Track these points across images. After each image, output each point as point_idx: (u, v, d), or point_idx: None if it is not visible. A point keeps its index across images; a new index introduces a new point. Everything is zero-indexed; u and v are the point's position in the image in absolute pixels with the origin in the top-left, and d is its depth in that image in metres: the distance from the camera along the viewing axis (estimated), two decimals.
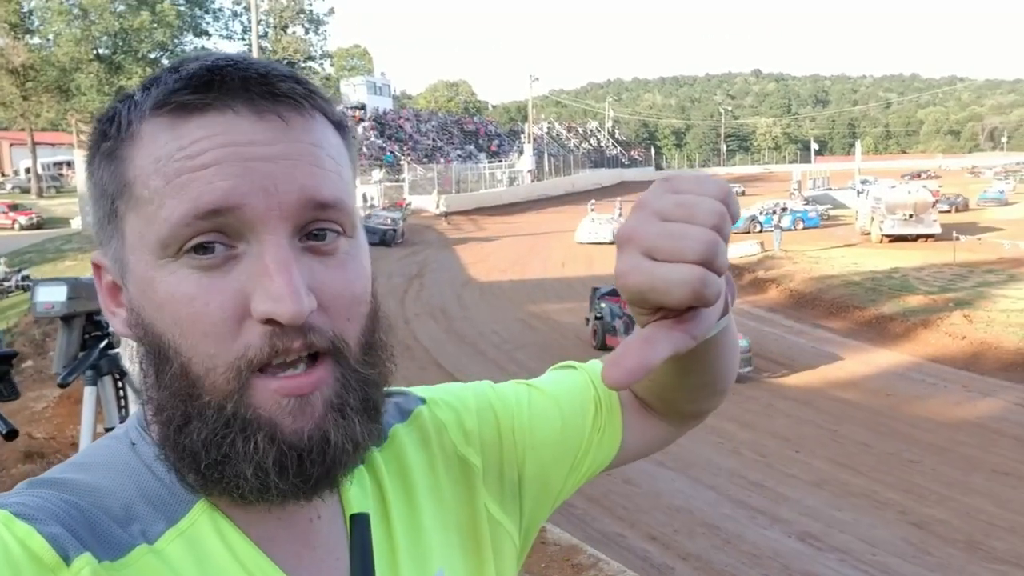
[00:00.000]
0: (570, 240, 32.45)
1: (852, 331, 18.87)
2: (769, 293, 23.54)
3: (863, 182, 44.05)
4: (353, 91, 62.39)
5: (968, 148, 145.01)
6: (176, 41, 48.99)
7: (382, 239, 30.15)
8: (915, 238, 30.78)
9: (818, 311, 21.04)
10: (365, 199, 39.91)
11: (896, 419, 12.83)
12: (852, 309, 20.49)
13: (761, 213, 36.75)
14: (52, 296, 2.68)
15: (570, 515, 8.79)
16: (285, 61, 51.36)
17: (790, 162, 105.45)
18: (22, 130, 49.89)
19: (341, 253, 0.63)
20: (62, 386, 2.69)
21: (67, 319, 2.73)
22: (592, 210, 39.68)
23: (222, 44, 53.22)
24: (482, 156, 62.09)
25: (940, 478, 10.36)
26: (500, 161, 58.98)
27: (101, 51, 46.63)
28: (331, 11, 61.46)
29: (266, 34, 52.63)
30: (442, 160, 53.88)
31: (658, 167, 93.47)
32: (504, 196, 49.67)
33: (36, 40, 46.81)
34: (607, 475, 9.74)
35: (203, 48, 50.04)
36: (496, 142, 68.60)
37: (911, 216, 30.74)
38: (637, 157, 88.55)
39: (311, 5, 56.00)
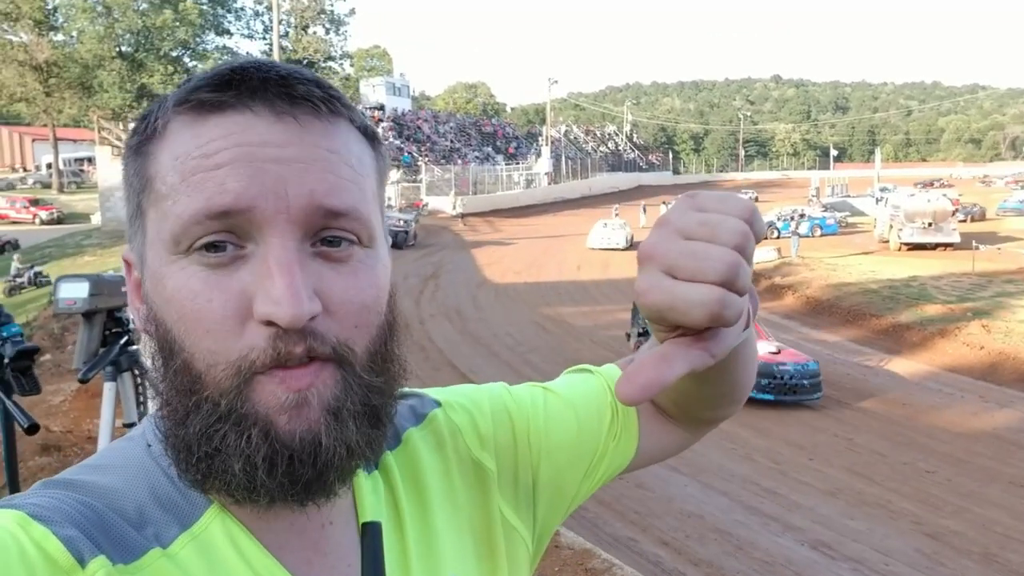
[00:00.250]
0: (585, 243, 32.36)
1: (868, 339, 18.77)
2: (786, 299, 23.44)
3: (882, 190, 43.73)
4: (372, 91, 62.56)
5: (989, 157, 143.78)
6: (198, 39, 49.39)
7: (393, 242, 30.01)
8: (934, 247, 30.59)
9: (835, 318, 20.93)
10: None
11: (912, 429, 12.75)
12: (869, 317, 20.38)
13: (779, 219, 36.59)
14: (74, 292, 2.71)
15: (582, 519, 8.78)
16: (305, 61, 51.71)
17: (809, 168, 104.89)
18: (44, 126, 50.44)
19: (354, 261, 0.63)
20: (83, 381, 2.72)
21: (88, 315, 2.76)
22: (616, 215, 39.66)
23: (243, 43, 53.68)
24: (499, 158, 62.10)
25: (956, 489, 10.29)
26: (517, 163, 58.99)
27: (124, 48, 47.01)
28: (352, 11, 61.80)
29: (287, 34, 52.89)
30: (459, 161, 53.95)
31: (676, 172, 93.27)
32: (521, 198, 49.67)
33: (60, 37, 47.33)
34: (619, 479, 9.72)
35: (224, 47, 50.42)
36: (514, 144, 68.60)
37: (930, 224, 30.55)
38: (655, 161, 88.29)
39: (332, 5, 56.23)
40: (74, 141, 60.17)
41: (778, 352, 13.75)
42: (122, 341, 2.84)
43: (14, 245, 32.97)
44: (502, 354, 16.48)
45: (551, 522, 0.90)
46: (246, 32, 53.75)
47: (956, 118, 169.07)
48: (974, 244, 26.55)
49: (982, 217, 42.68)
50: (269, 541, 0.65)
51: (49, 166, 54.71)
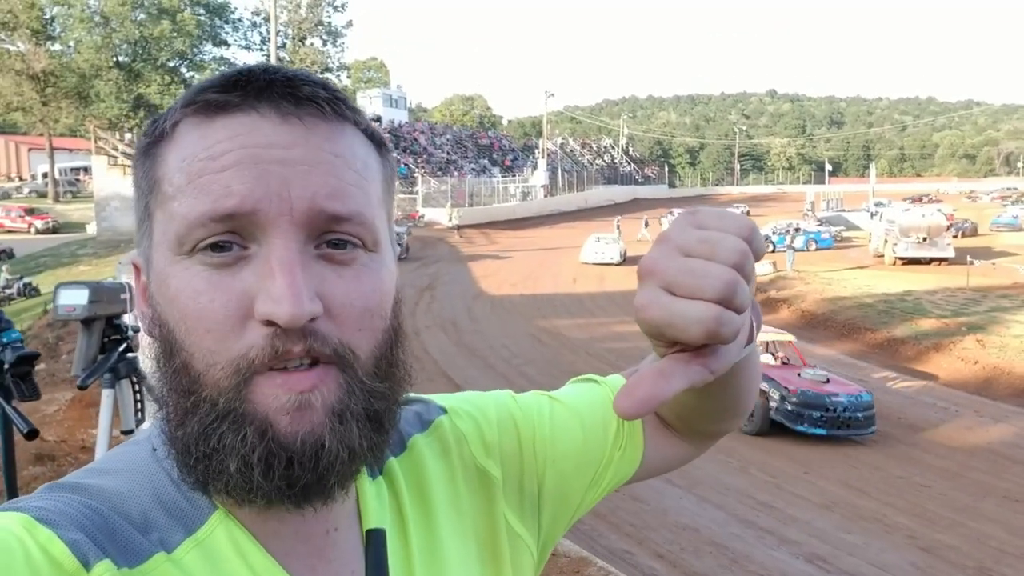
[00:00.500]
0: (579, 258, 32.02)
1: (863, 353, 18.80)
2: (781, 313, 23.48)
3: (877, 204, 43.89)
4: (369, 103, 62.72)
5: (983, 172, 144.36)
6: (195, 50, 49.54)
7: None
8: (928, 261, 30.70)
9: (830, 332, 20.98)
10: None
11: (907, 443, 12.77)
12: (864, 331, 20.43)
13: (774, 233, 36.69)
14: (74, 299, 2.72)
15: (577, 531, 8.76)
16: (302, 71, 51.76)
17: (804, 183, 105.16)
18: (41, 135, 50.45)
19: (358, 265, 0.63)
20: (81, 388, 2.72)
21: (88, 322, 2.77)
22: (618, 227, 39.72)
23: (241, 54, 53.70)
24: (496, 170, 62.22)
25: (951, 503, 10.30)
26: (514, 176, 59.08)
27: (121, 58, 47.14)
28: (349, 23, 62.05)
29: (284, 45, 53.04)
30: (456, 173, 54.03)
31: (671, 185, 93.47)
32: (517, 210, 49.72)
33: (57, 46, 47.43)
34: (615, 491, 9.73)
35: (222, 58, 50.53)
36: (510, 156, 68.73)
37: (925, 239, 30.66)
38: (651, 175, 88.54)
39: (330, 17, 56.38)
40: (70, 151, 60.13)
41: (827, 381, 12.97)
42: (121, 348, 2.84)
43: (9, 254, 32.91)
44: (497, 366, 16.47)
45: (556, 531, 0.90)
46: (243, 43, 53.83)
47: (950, 133, 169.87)
48: (969, 259, 26.66)
49: (974, 232, 42.80)
50: (273, 547, 0.65)
51: (45, 175, 54.65)
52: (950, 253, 30.65)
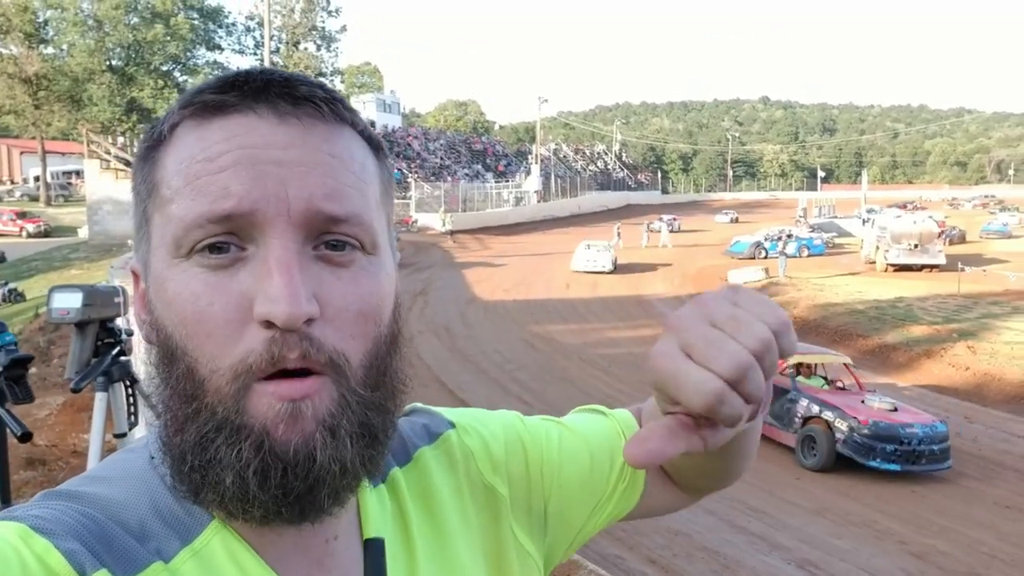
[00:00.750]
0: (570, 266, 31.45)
1: (855, 359, 18.82)
2: None
3: (869, 211, 44.04)
4: (363, 108, 62.73)
5: (975, 180, 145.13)
6: (189, 54, 49.47)
7: None
8: (920, 268, 30.79)
9: (822, 339, 21.01)
10: None
11: None
12: (855, 337, 20.48)
13: (767, 239, 36.79)
14: (67, 303, 2.73)
15: None
16: None
17: (796, 189, 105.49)
18: (33, 138, 50.28)
19: (356, 267, 0.63)
20: (75, 391, 2.72)
21: (81, 325, 2.78)
22: (619, 233, 39.81)
23: (234, 58, 53.65)
24: (489, 176, 62.29)
25: (941, 509, 10.33)
26: (507, 181, 59.13)
27: (114, 62, 47.06)
28: (343, 28, 61.89)
29: (278, 49, 52.97)
30: (449, 179, 54.08)
31: (664, 191, 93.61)
32: (510, 216, 49.75)
33: (50, 50, 47.32)
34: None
35: (215, 62, 50.48)
36: (504, 162, 68.82)
37: (916, 246, 30.77)
38: (644, 180, 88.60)
39: (323, 22, 56.35)
40: (62, 154, 59.97)
41: (895, 409, 11.95)
42: (114, 352, 2.85)
43: (0, 258, 32.81)
44: (490, 371, 16.48)
45: (555, 555, 0.90)
46: (237, 47, 53.72)
47: (942, 141, 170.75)
48: (960, 266, 26.76)
49: (962, 240, 42.91)
50: (271, 557, 0.64)
51: (37, 179, 54.49)
52: (941, 260, 30.76)
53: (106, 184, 33.32)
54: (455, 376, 15.77)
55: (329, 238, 0.61)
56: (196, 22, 48.99)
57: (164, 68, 48.70)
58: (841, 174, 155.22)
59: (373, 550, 0.68)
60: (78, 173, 50.51)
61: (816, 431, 11.93)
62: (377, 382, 0.64)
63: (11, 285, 23.87)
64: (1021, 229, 48.45)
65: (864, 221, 37.97)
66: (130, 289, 0.72)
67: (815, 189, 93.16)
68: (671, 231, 43.24)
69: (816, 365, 13.61)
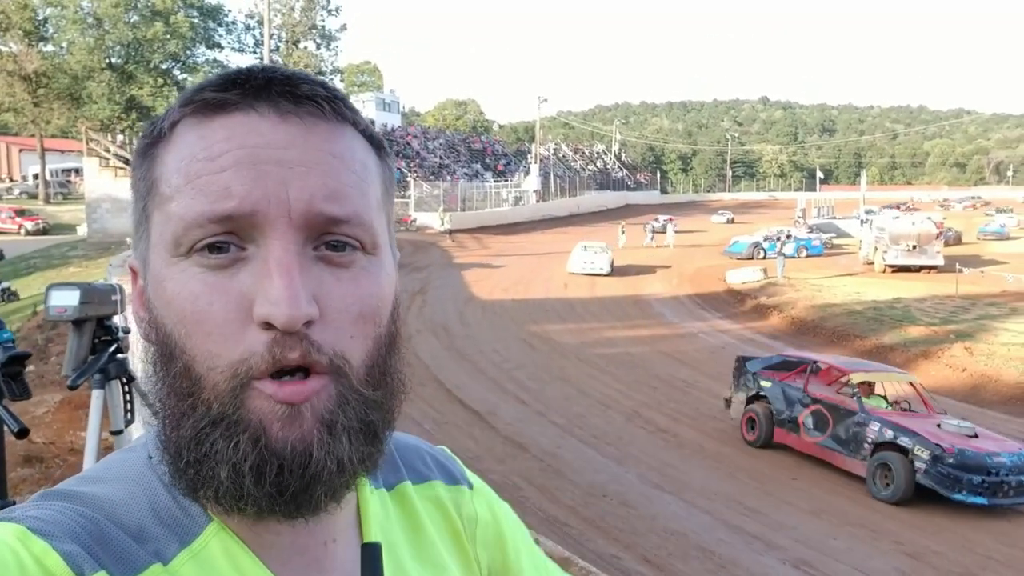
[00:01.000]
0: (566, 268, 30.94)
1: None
2: (771, 319, 23.57)
3: (868, 212, 44.09)
4: (362, 107, 62.70)
5: (974, 181, 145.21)
6: (188, 52, 49.42)
7: None
8: (918, 269, 30.85)
9: (819, 339, 21.06)
10: None
11: None
12: (853, 338, 20.51)
13: (765, 240, 36.85)
14: (65, 300, 2.75)
15: (565, 535, 8.79)
16: None
17: (795, 190, 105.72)
18: (32, 136, 50.26)
19: (356, 268, 0.63)
20: (71, 388, 2.74)
21: (78, 323, 2.79)
22: (623, 233, 39.85)
23: (234, 57, 53.63)
24: (488, 175, 62.32)
25: (938, 510, 10.34)
26: (506, 180, 59.18)
27: (113, 60, 47.00)
28: (343, 27, 61.94)
29: (278, 48, 52.97)
30: (449, 178, 54.11)
31: (663, 191, 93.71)
32: (509, 215, 49.81)
33: (50, 47, 47.25)
34: (603, 496, 9.69)
35: (215, 60, 50.45)
36: (503, 161, 68.84)
37: (915, 247, 30.83)
38: (643, 180, 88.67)
39: (323, 21, 56.36)
40: (62, 152, 59.91)
41: (975, 436, 10.88)
42: (111, 349, 2.87)
43: None
44: (488, 371, 16.49)
45: None
46: (237, 46, 53.67)
47: (941, 142, 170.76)
48: (958, 267, 26.82)
49: (957, 241, 42.92)
50: (269, 559, 0.64)
51: (36, 176, 54.41)
52: (939, 261, 30.84)
53: (105, 182, 33.32)
54: (453, 375, 15.79)
55: (329, 239, 0.61)
56: (196, 20, 48.94)
57: (164, 66, 48.64)
58: (840, 175, 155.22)
59: (370, 555, 0.68)
60: (77, 171, 50.46)
61: (891, 459, 10.71)
62: (377, 382, 0.64)
63: (5, 284, 23.85)
64: (1018, 230, 48.54)
65: (862, 222, 38.04)
66: (127, 287, 0.73)
67: (814, 190, 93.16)
68: (656, 232, 43.34)
69: (874, 384, 12.34)
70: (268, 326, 0.57)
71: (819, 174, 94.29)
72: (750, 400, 13.09)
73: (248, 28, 54.17)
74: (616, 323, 22.61)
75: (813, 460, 12.01)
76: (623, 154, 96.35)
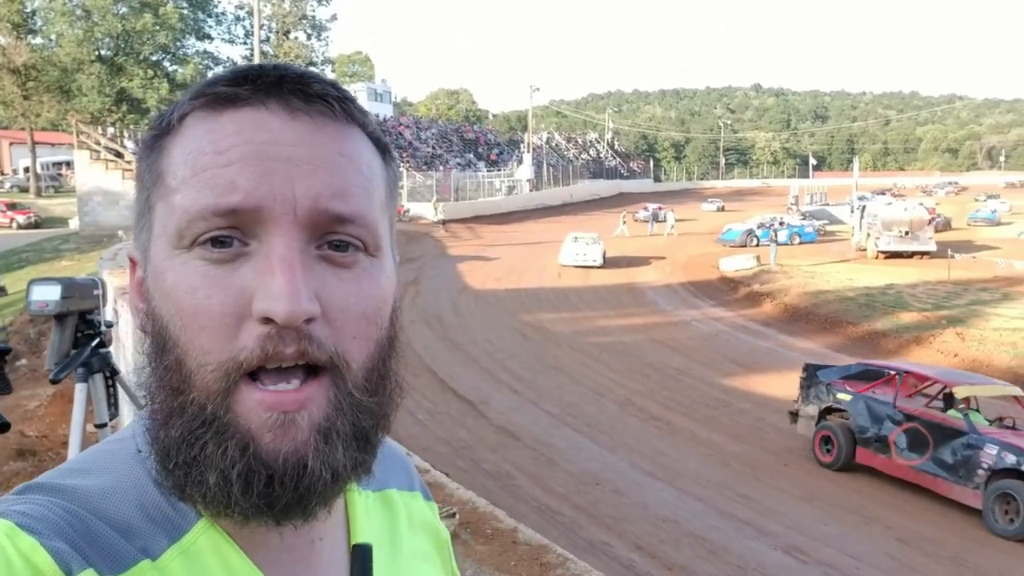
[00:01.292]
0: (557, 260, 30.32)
1: (845, 346, 18.95)
2: (764, 307, 23.62)
3: (860, 198, 44.14)
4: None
5: (966, 166, 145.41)
6: (178, 44, 49.09)
7: None
8: (910, 255, 30.92)
9: (812, 326, 21.12)
10: None
11: None
12: (846, 324, 20.58)
13: (758, 227, 36.88)
14: (46, 295, 2.75)
15: (557, 523, 8.83)
16: None
17: (788, 177, 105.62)
18: (22, 129, 49.95)
19: (358, 269, 0.63)
20: (54, 382, 2.75)
21: (60, 317, 2.80)
22: (624, 222, 39.82)
23: (224, 48, 53.42)
24: (481, 165, 62.20)
25: (929, 495, 10.40)
26: (499, 170, 59.08)
27: (103, 52, 46.67)
28: (334, 17, 61.70)
29: (268, 39, 52.71)
30: (441, 168, 53.98)
31: (657, 179, 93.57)
32: (502, 205, 49.74)
33: (38, 40, 46.88)
34: (595, 484, 9.71)
35: (205, 52, 50.21)
36: (496, 151, 68.68)
37: (907, 233, 30.88)
38: (636, 169, 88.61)
39: (314, 11, 56.06)
40: (52, 145, 59.58)
41: None
42: (93, 343, 2.87)
43: None
44: (481, 360, 16.52)
45: None
46: (227, 37, 53.49)
47: (933, 128, 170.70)
48: (950, 253, 26.89)
49: (946, 227, 42.86)
50: (258, 556, 0.64)
51: (27, 170, 54.18)
52: (932, 247, 30.92)
53: (96, 175, 33.17)
54: (446, 365, 15.81)
55: (333, 238, 0.61)
56: (185, 11, 48.60)
57: (154, 58, 48.32)
58: (833, 161, 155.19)
59: (361, 555, 0.69)
60: (68, 164, 50.26)
61: (1016, 488, 9.27)
62: (376, 386, 0.65)
63: None
64: (1010, 216, 48.64)
65: (853, 209, 38.10)
66: (115, 281, 0.73)
67: (807, 176, 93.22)
68: (657, 221, 43.34)
69: (969, 399, 10.83)
70: (267, 321, 0.57)
71: (812, 161, 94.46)
72: (823, 415, 11.70)
73: (238, 19, 53.80)
74: (609, 311, 22.63)
75: (804, 446, 12.05)
76: (616, 142, 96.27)
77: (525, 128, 78.29)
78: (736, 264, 28.73)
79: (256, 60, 32.73)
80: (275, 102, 0.61)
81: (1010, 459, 9.40)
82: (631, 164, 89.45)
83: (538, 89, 67.35)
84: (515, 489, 9.86)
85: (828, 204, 57.42)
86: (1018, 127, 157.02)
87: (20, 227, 39.65)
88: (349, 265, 0.62)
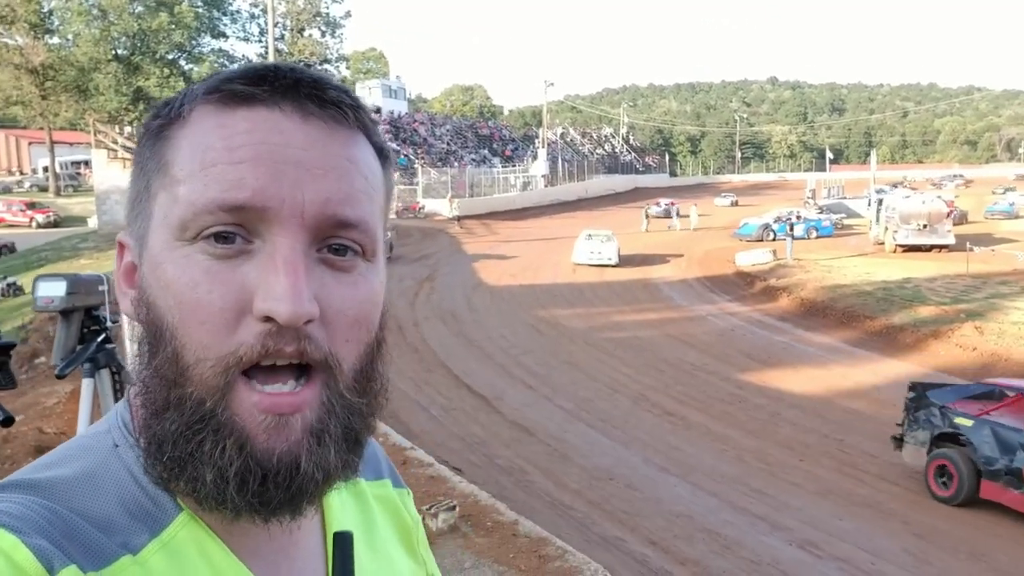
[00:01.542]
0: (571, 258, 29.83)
1: (862, 341, 18.83)
2: (780, 301, 23.50)
3: (878, 192, 43.80)
4: (368, 94, 62.52)
5: (985, 158, 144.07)
6: (194, 42, 49.44)
7: None
8: (929, 248, 30.68)
9: (829, 320, 20.99)
10: None
11: None
12: (863, 319, 20.43)
13: (775, 221, 36.69)
14: (52, 291, 2.78)
15: (570, 518, 8.83)
16: (301, 63, 51.73)
17: (805, 170, 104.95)
18: (41, 129, 50.51)
19: (356, 273, 0.64)
20: (59, 377, 2.78)
21: (66, 313, 2.82)
22: (647, 218, 39.79)
23: (239, 46, 53.70)
24: (496, 160, 62.17)
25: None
26: (514, 166, 59.03)
27: (119, 51, 47.07)
28: (348, 14, 61.95)
29: (283, 36, 52.95)
30: (456, 164, 54.01)
31: (672, 174, 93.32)
32: (517, 201, 49.71)
33: (56, 40, 47.35)
34: (609, 480, 9.69)
35: (220, 50, 50.47)
36: (510, 147, 68.63)
37: (925, 226, 30.64)
38: (651, 163, 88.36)
39: (328, 8, 56.28)
40: (70, 144, 60.15)
41: None
42: (100, 339, 2.89)
43: (10, 248, 32.99)
44: (496, 356, 16.52)
45: None
46: (241, 35, 53.91)
47: (952, 120, 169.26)
48: (968, 246, 26.67)
49: (962, 220, 42.38)
50: (238, 547, 0.65)
51: (46, 169, 54.76)
52: (950, 240, 30.63)
53: (114, 173, 33.41)
54: (461, 361, 15.82)
55: (334, 242, 0.62)
56: (200, 10, 48.92)
57: (170, 57, 48.69)
58: (851, 154, 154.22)
59: (342, 543, 0.70)
60: (86, 163, 50.69)
61: None
62: (364, 387, 0.66)
63: (11, 279, 24.03)
64: None
65: (869, 203, 37.81)
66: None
67: (824, 170, 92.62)
68: (679, 216, 43.07)
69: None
70: (267, 320, 0.58)
71: (829, 154, 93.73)
72: (937, 442, 10.17)
73: (253, 17, 54.12)
74: (624, 307, 22.59)
75: (819, 443, 11.98)
76: (631, 137, 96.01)
77: (540, 123, 78.16)
78: (752, 259, 28.60)
79: (271, 58, 32.88)
80: (290, 105, 0.62)
81: None
82: (646, 159, 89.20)
83: (552, 84, 67.38)
84: (528, 484, 9.86)
85: (845, 198, 56.98)
86: None
87: (39, 226, 40.07)
88: (348, 269, 0.63)
